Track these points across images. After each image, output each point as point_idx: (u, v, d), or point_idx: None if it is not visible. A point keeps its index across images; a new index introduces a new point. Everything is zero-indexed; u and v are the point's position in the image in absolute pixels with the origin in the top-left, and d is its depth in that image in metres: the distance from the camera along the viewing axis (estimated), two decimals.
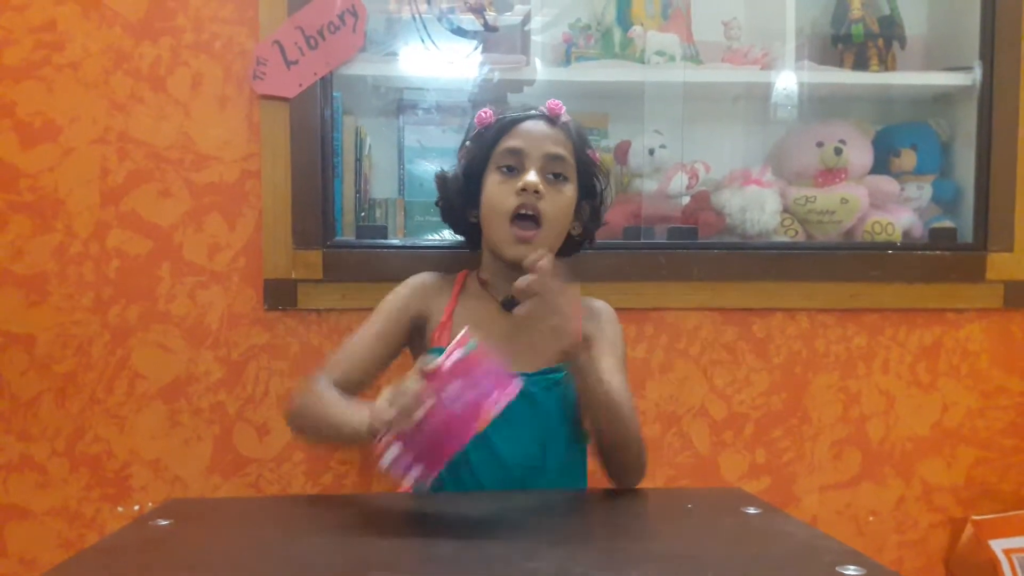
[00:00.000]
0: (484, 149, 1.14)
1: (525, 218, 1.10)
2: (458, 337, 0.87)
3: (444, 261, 1.32)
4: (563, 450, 1.12)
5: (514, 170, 1.12)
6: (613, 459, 1.08)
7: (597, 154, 1.20)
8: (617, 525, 0.91)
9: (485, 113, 1.16)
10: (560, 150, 1.12)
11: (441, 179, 1.21)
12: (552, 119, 1.14)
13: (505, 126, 1.13)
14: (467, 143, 1.19)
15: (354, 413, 0.96)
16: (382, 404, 0.86)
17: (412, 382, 0.84)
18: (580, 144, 1.16)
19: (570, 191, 1.14)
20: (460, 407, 0.82)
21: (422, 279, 1.20)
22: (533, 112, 1.14)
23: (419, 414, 0.81)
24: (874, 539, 1.52)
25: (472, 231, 1.22)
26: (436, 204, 1.24)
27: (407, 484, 0.83)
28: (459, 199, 1.19)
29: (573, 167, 1.14)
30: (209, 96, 1.40)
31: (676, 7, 1.59)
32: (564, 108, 1.15)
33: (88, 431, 1.40)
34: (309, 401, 1.08)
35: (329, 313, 1.42)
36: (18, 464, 1.39)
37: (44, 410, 1.39)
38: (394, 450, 0.82)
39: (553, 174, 1.12)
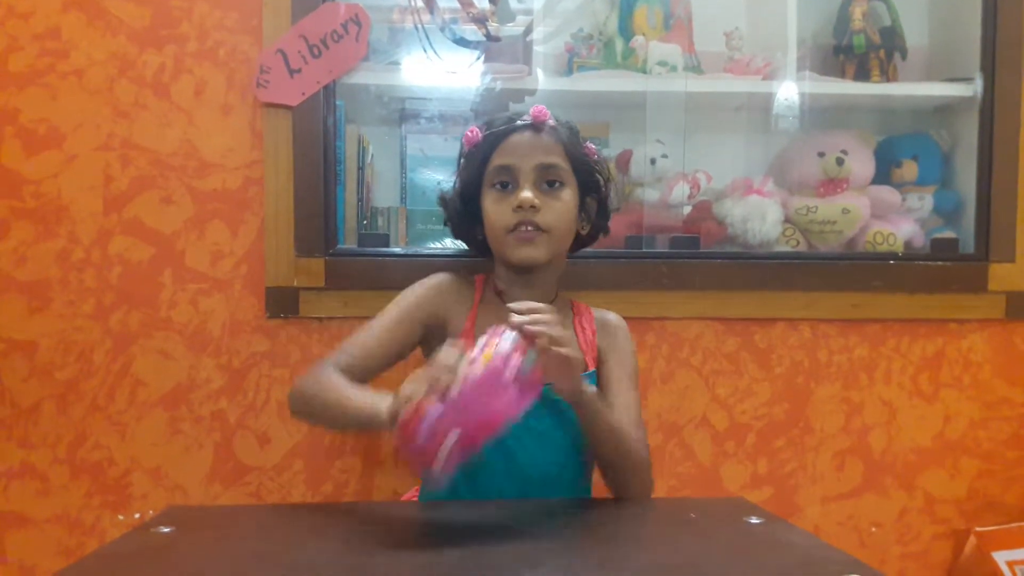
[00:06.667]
0: (476, 168, 1.15)
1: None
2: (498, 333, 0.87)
3: (448, 268, 1.32)
4: (584, 460, 1.13)
5: (508, 185, 1.12)
6: (619, 482, 1.09)
7: (593, 148, 1.18)
8: (620, 534, 0.90)
9: (472, 132, 1.16)
10: (551, 158, 1.11)
11: (442, 201, 1.22)
12: (538, 127, 1.13)
13: (493, 143, 1.13)
14: (462, 161, 1.20)
15: (371, 397, 0.95)
16: (407, 387, 0.83)
17: (446, 355, 0.83)
18: (572, 144, 1.14)
19: (568, 195, 1.13)
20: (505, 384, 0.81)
21: (441, 280, 1.18)
22: (519, 124, 1.13)
23: (458, 379, 0.80)
24: (876, 550, 1.51)
25: (483, 245, 1.22)
26: (444, 224, 1.25)
27: (442, 455, 0.78)
28: (460, 219, 1.20)
29: (568, 170, 1.13)
30: (212, 104, 1.41)
31: (678, 18, 1.59)
32: (549, 113, 1.14)
33: (89, 438, 1.40)
34: (316, 386, 1.06)
35: (331, 321, 1.42)
36: (19, 471, 1.39)
37: (45, 417, 1.39)
38: (433, 411, 0.79)
39: (548, 182, 1.11)
